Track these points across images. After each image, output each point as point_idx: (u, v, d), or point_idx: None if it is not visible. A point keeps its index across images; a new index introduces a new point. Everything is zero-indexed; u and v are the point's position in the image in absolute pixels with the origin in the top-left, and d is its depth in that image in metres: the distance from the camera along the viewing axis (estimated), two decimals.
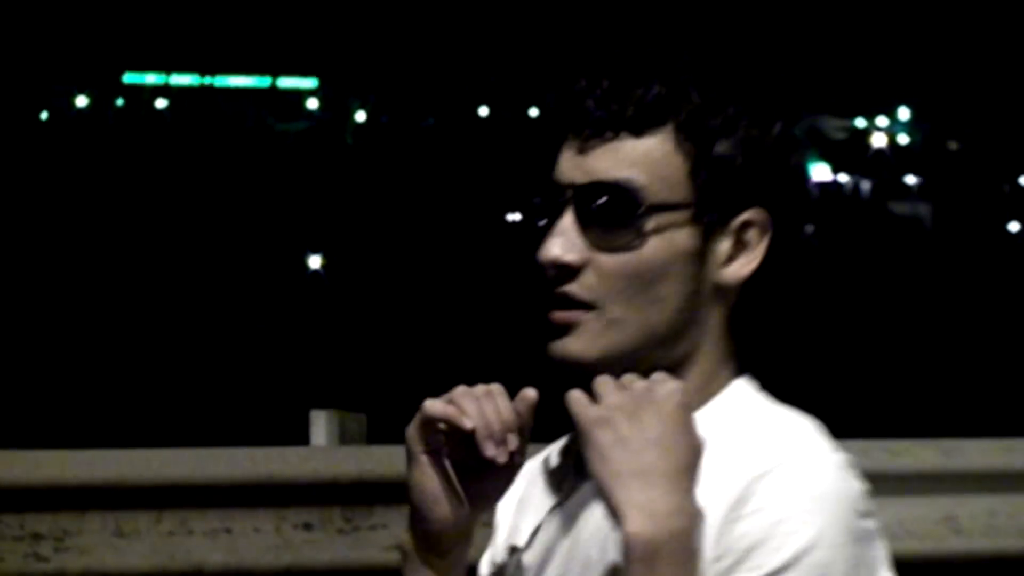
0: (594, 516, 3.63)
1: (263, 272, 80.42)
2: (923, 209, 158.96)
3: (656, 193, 3.57)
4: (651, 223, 3.57)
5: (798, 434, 3.58)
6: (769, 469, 3.48)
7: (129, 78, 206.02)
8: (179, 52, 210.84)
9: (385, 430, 12.57)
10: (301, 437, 12.26)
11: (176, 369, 34.86)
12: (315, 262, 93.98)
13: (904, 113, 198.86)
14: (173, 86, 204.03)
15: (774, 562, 3.42)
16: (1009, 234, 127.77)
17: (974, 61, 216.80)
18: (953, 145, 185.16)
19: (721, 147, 3.58)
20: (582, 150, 3.62)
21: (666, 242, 3.57)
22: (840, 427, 3.85)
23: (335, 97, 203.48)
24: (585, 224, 3.60)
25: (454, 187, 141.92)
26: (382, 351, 39.64)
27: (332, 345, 41.25)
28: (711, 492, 3.51)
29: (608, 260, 3.58)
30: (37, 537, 11.39)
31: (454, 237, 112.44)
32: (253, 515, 11.68)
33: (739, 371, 3.66)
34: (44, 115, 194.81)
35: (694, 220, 3.59)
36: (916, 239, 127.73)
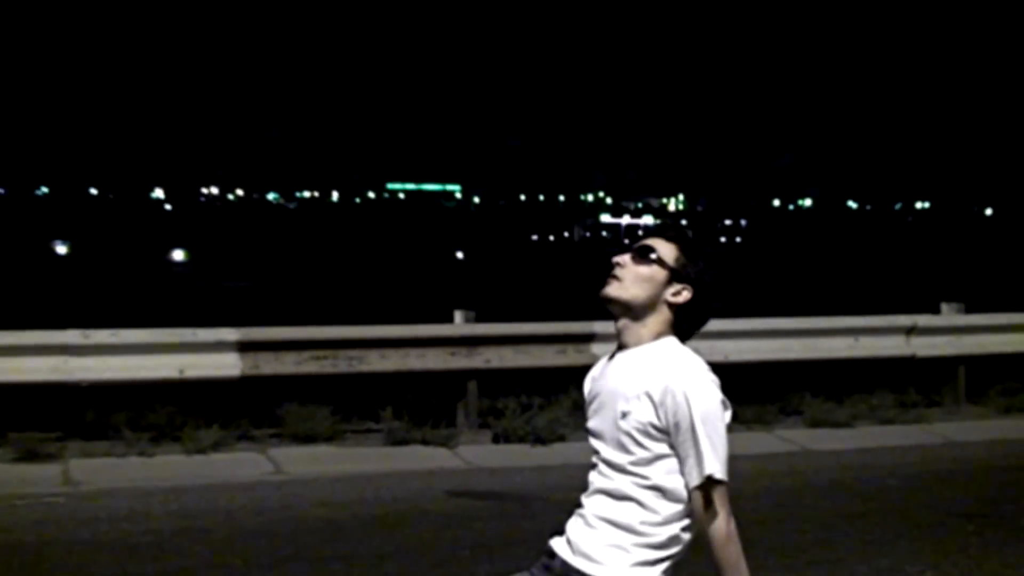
0: (612, 375, 3.55)
1: (441, 256, 79.69)
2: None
3: (664, 259, 3.52)
4: (654, 266, 3.52)
5: (691, 362, 3.48)
6: (678, 378, 3.43)
7: (390, 185, 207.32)
8: (409, 173, 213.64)
9: (485, 318, 12.24)
10: (449, 319, 11.96)
11: (405, 289, 34.55)
12: (460, 254, 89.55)
13: (681, 197, 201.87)
14: (405, 190, 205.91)
15: (690, 417, 3.37)
16: (724, 245, 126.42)
17: (709, 172, 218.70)
18: (699, 208, 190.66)
19: (689, 264, 3.54)
20: (649, 238, 3.61)
21: (654, 274, 3.51)
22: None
23: (468, 192, 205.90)
24: (634, 256, 3.55)
25: (514, 224, 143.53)
26: (487, 283, 38.93)
27: (465, 281, 40.80)
28: (645, 382, 3.47)
29: (634, 268, 3.53)
30: (351, 357, 11.28)
31: (517, 241, 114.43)
32: (439, 350, 11.59)
33: (671, 334, 3.55)
34: (357, 199, 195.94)
35: (668, 276, 3.51)
36: None
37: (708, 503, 3.36)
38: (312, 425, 10.96)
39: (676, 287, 3.56)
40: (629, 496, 3.46)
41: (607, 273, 3.61)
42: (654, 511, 3.43)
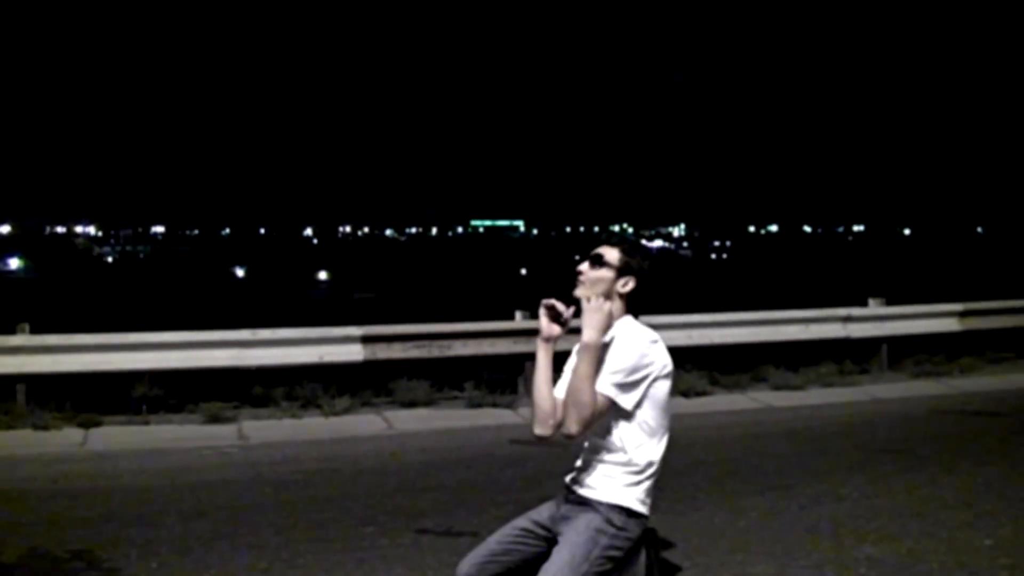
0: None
1: (508, 272, 78.20)
2: (687, 251, 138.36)
3: (610, 263, 3.48)
4: (605, 268, 3.48)
5: (639, 331, 3.40)
6: (625, 339, 3.40)
7: (473, 222, 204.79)
8: (486, 212, 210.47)
9: (538, 316, 12.09)
10: (512, 317, 11.79)
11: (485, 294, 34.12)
12: (523, 271, 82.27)
13: (683, 225, 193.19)
14: (484, 225, 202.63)
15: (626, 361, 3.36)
16: (715, 260, 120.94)
17: (702, 206, 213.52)
18: (696, 233, 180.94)
19: (630, 260, 3.48)
20: (599, 247, 3.55)
21: (605, 275, 3.48)
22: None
23: (529, 225, 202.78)
24: (590, 264, 3.51)
25: (562, 249, 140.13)
26: (541, 291, 38.79)
27: (526, 289, 40.28)
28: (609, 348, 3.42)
29: (591, 273, 3.49)
30: (442, 346, 11.15)
31: (564, 261, 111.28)
32: (505, 339, 11.42)
33: (626, 314, 3.49)
34: (449, 233, 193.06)
35: (616, 274, 3.47)
36: (679, 262, 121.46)
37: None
38: (415, 394, 11.00)
39: (623, 280, 3.53)
40: (615, 438, 3.44)
41: (574, 279, 3.58)
42: (635, 446, 3.42)
